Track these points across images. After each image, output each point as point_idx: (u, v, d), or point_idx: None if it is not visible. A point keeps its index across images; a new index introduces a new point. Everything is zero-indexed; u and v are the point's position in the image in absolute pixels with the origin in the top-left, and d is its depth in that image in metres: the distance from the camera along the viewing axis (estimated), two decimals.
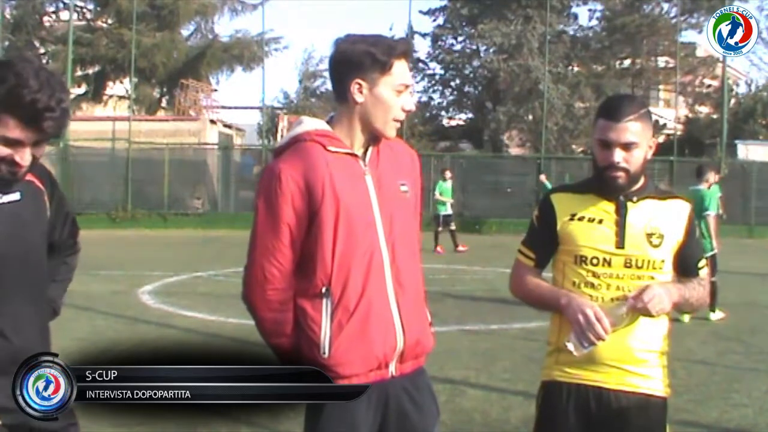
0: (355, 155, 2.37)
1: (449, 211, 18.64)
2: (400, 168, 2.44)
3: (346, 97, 2.35)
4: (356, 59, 2.31)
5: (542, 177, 21.34)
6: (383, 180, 2.38)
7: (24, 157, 2.06)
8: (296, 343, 2.37)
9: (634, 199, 2.55)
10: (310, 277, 2.33)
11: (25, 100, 1.98)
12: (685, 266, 2.60)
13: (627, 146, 2.47)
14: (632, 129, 2.46)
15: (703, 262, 2.66)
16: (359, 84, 2.33)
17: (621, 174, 2.48)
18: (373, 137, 2.40)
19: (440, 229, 18.23)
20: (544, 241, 2.63)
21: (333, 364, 2.31)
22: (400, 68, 2.34)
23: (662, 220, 2.55)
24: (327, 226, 2.29)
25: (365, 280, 2.31)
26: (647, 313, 2.43)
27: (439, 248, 17.75)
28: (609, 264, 2.51)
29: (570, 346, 2.43)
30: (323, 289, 2.31)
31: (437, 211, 18.54)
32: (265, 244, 2.33)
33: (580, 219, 2.56)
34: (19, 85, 1.98)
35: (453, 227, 18.45)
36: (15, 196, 2.20)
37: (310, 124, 2.40)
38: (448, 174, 19.39)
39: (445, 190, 18.73)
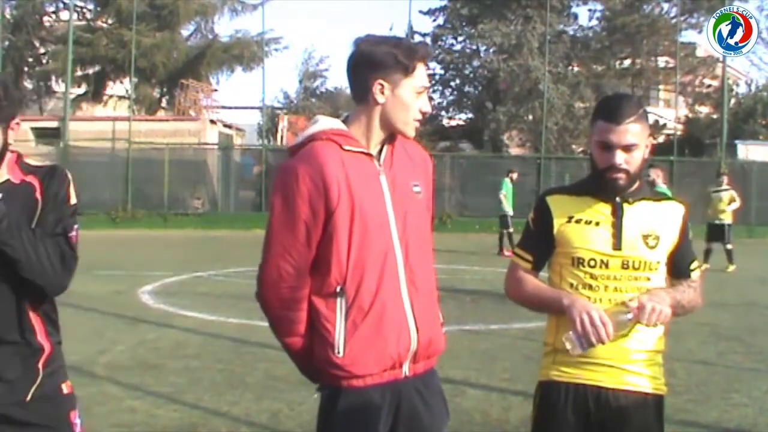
0: (369, 155, 2.38)
1: (511, 212, 17.61)
2: (413, 168, 2.46)
3: (367, 97, 2.36)
4: (379, 60, 2.33)
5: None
6: (397, 180, 2.39)
7: None
8: (309, 342, 2.37)
9: (630, 200, 2.55)
10: (324, 276, 2.33)
11: None
12: (678, 268, 2.61)
13: (628, 148, 2.47)
14: (633, 131, 2.46)
15: (695, 264, 2.67)
16: (381, 84, 2.34)
17: (622, 175, 2.49)
18: (389, 137, 2.41)
19: (505, 230, 17.43)
20: (541, 243, 2.63)
21: (347, 363, 2.31)
22: (421, 71, 2.38)
23: (658, 221, 2.55)
24: (342, 226, 2.29)
25: (379, 280, 2.31)
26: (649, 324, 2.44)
27: (506, 251, 16.84)
28: (606, 266, 2.51)
29: (568, 344, 2.44)
30: (338, 289, 2.31)
31: (502, 212, 17.67)
32: (282, 242, 2.33)
33: (578, 221, 2.56)
34: None
35: (511, 230, 17.32)
36: None
37: (326, 123, 2.41)
38: (515, 175, 18.59)
39: (509, 189, 17.88)
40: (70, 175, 2.46)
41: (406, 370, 2.37)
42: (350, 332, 2.30)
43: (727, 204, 15.17)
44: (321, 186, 2.28)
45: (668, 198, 2.67)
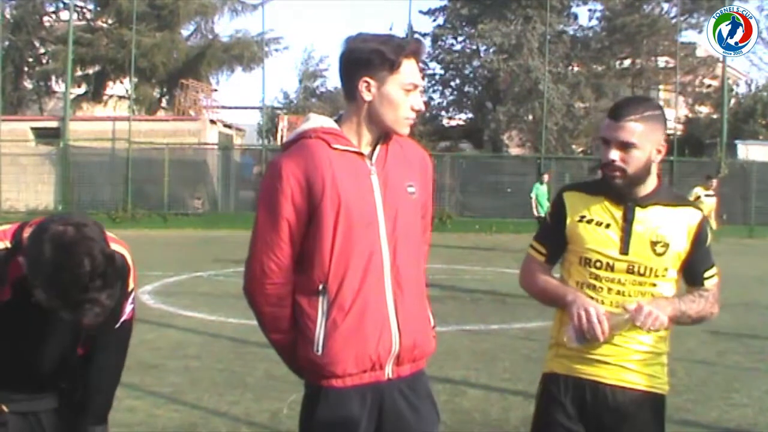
0: (361, 154, 2.36)
1: (541, 214, 17.25)
2: (408, 168, 2.43)
3: (355, 96, 2.35)
4: (365, 57, 2.31)
5: None
6: (389, 179, 2.37)
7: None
8: (294, 339, 2.37)
9: (643, 204, 2.53)
10: (308, 273, 2.33)
11: (73, 299, 1.98)
12: (690, 276, 2.59)
13: (624, 146, 2.45)
14: (631, 129, 2.45)
15: (711, 272, 2.61)
16: (367, 82, 2.32)
17: (617, 173, 2.47)
18: (383, 135, 2.39)
19: None
20: (555, 237, 2.63)
21: (326, 362, 2.30)
22: (409, 67, 2.34)
23: (669, 228, 2.52)
24: (327, 224, 2.28)
25: (362, 279, 2.30)
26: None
27: None
28: (612, 269, 2.51)
29: (565, 337, 2.47)
30: (320, 287, 2.30)
31: (538, 213, 17.46)
32: (265, 239, 2.34)
33: (589, 221, 2.56)
34: (70, 280, 1.95)
35: None
36: None
37: (317, 121, 2.40)
38: (546, 177, 18.61)
39: (541, 193, 17.86)
40: (131, 261, 2.38)
41: (389, 372, 2.35)
42: (330, 331, 2.29)
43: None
44: (304, 184, 2.28)
45: (686, 204, 2.61)
